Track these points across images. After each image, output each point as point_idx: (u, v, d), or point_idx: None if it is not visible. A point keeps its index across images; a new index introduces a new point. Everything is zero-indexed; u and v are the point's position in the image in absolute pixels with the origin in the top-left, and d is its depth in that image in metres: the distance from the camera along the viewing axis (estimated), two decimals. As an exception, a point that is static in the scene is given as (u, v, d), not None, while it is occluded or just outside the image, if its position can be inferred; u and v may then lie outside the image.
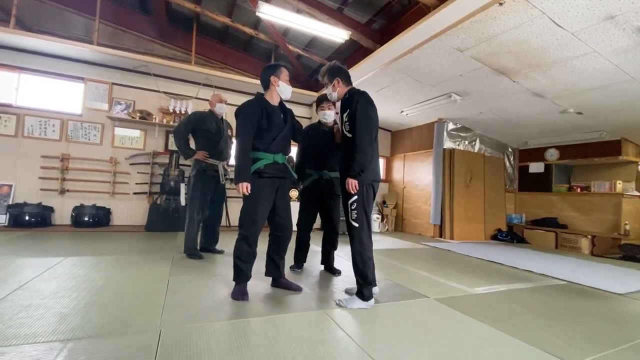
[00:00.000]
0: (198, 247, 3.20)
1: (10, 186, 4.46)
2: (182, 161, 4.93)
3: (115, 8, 5.37)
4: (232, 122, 2.40)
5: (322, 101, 2.77)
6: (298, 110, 6.17)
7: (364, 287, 2.00)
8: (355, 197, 2.02)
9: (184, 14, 5.47)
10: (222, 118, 3.32)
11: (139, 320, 1.63)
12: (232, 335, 1.52)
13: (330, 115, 2.75)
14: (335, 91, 2.19)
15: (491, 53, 3.60)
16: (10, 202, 4.39)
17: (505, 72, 3.96)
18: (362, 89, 2.21)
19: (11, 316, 1.59)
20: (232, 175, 2.65)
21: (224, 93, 4.90)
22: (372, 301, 2.03)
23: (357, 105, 2.03)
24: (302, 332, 1.60)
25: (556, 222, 5.93)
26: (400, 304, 2.14)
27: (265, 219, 2.15)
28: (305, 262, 2.92)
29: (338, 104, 2.32)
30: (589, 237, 5.24)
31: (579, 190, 5.91)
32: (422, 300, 2.23)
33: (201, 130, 3.16)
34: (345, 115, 2.09)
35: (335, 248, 2.89)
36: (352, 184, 1.99)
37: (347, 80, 2.21)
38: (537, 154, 6.55)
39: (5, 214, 4.31)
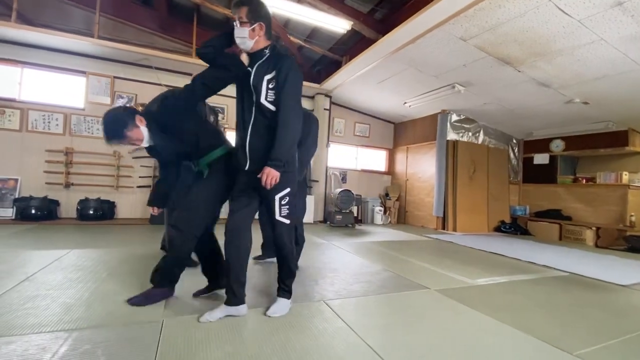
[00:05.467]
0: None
1: (16, 180, 4.52)
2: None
3: (115, 0, 5.32)
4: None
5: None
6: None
7: (291, 281, 1.81)
8: (288, 190, 1.65)
9: (184, 6, 5.41)
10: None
11: (142, 311, 1.66)
12: (232, 326, 1.54)
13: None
14: (252, 39, 1.57)
15: (495, 42, 3.54)
16: (16, 196, 4.45)
17: (509, 61, 3.89)
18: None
19: (18, 306, 1.62)
20: None
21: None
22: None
23: (290, 72, 1.54)
24: (302, 323, 1.62)
25: (560, 213, 5.89)
26: (401, 295, 2.15)
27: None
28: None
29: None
30: (594, 228, 5.21)
31: (584, 181, 5.85)
32: (422, 292, 2.24)
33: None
34: (268, 79, 1.55)
35: (298, 244, 2.58)
36: (272, 177, 1.53)
37: (270, 31, 1.65)
38: (542, 145, 6.48)
39: (12, 207, 4.38)
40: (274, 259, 2.71)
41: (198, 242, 1.79)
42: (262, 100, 1.54)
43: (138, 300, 1.73)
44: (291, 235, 1.73)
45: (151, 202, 1.98)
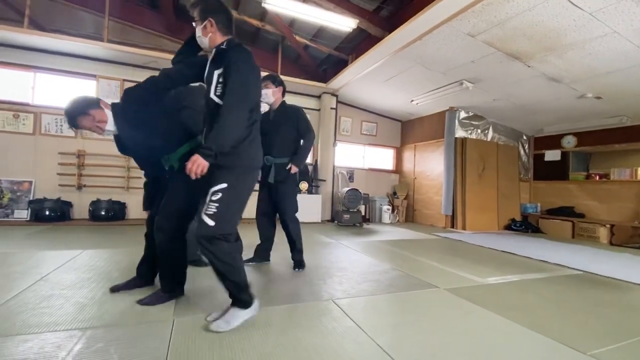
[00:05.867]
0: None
1: (30, 182, 4.63)
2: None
3: (123, 4, 5.41)
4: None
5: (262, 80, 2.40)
6: (306, 102, 6.14)
7: (242, 292, 1.53)
8: (224, 185, 1.44)
9: (190, 8, 5.48)
10: None
11: (153, 310, 1.68)
12: (242, 325, 1.54)
13: (268, 95, 2.52)
14: (206, 36, 1.53)
15: (504, 37, 3.48)
16: (31, 198, 4.55)
17: (519, 56, 3.82)
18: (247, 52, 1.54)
19: (34, 306, 1.66)
20: None
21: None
22: (257, 304, 1.57)
23: (236, 62, 1.43)
24: (311, 322, 1.62)
25: (573, 211, 5.77)
26: (410, 294, 2.13)
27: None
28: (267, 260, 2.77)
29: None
30: (608, 226, 5.09)
31: (597, 178, 5.72)
32: (432, 291, 2.22)
33: (186, 107, 2.39)
34: (217, 73, 1.47)
35: (294, 242, 2.61)
36: (199, 166, 1.37)
37: (226, 25, 1.56)
38: (553, 141, 6.36)
39: (27, 209, 4.48)
40: (269, 262, 2.77)
41: (151, 238, 1.78)
42: (212, 94, 1.48)
43: (148, 301, 1.75)
44: (225, 249, 1.46)
45: (145, 206, 2.00)
